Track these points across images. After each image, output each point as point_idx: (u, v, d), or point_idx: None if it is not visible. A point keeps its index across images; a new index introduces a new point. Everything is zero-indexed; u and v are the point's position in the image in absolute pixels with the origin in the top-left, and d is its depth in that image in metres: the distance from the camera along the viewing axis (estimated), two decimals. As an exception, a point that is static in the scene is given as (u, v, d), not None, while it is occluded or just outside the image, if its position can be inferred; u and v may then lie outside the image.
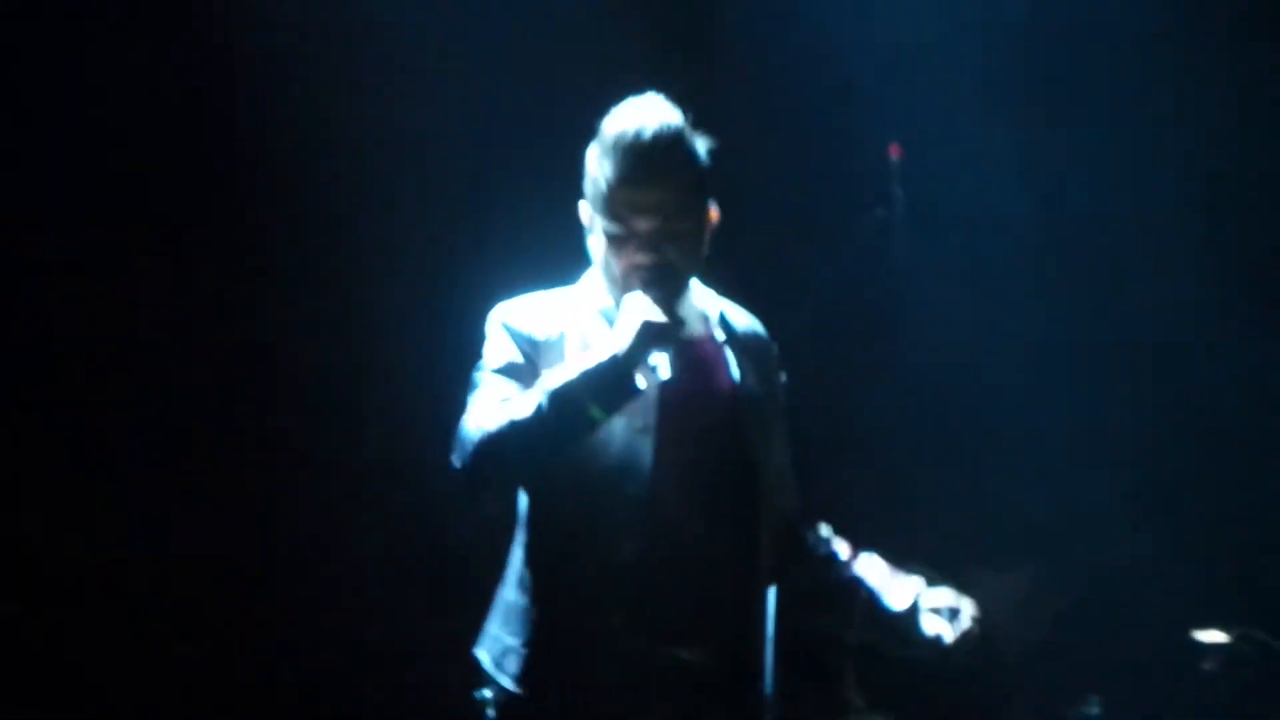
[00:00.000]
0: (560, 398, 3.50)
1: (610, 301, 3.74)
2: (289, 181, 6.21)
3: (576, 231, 3.82)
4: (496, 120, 6.27)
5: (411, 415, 5.93)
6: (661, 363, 3.55)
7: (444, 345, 4.72)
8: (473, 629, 3.83)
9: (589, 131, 3.75)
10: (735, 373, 3.78)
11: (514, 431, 3.52)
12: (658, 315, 3.54)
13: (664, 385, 3.60)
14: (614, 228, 3.66)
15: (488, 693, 5.49)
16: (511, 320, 3.75)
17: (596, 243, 3.75)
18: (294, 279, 6.29)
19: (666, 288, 3.61)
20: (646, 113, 3.68)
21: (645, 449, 3.63)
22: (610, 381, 3.52)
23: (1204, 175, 6.59)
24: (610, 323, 3.70)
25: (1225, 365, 6.74)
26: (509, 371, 3.68)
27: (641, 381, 3.53)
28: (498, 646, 3.71)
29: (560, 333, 3.72)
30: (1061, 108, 6.57)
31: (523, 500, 3.75)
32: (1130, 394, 6.74)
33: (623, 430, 3.61)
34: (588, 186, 3.74)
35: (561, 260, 3.91)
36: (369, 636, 6.19)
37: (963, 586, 6.52)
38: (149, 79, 6.10)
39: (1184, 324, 6.66)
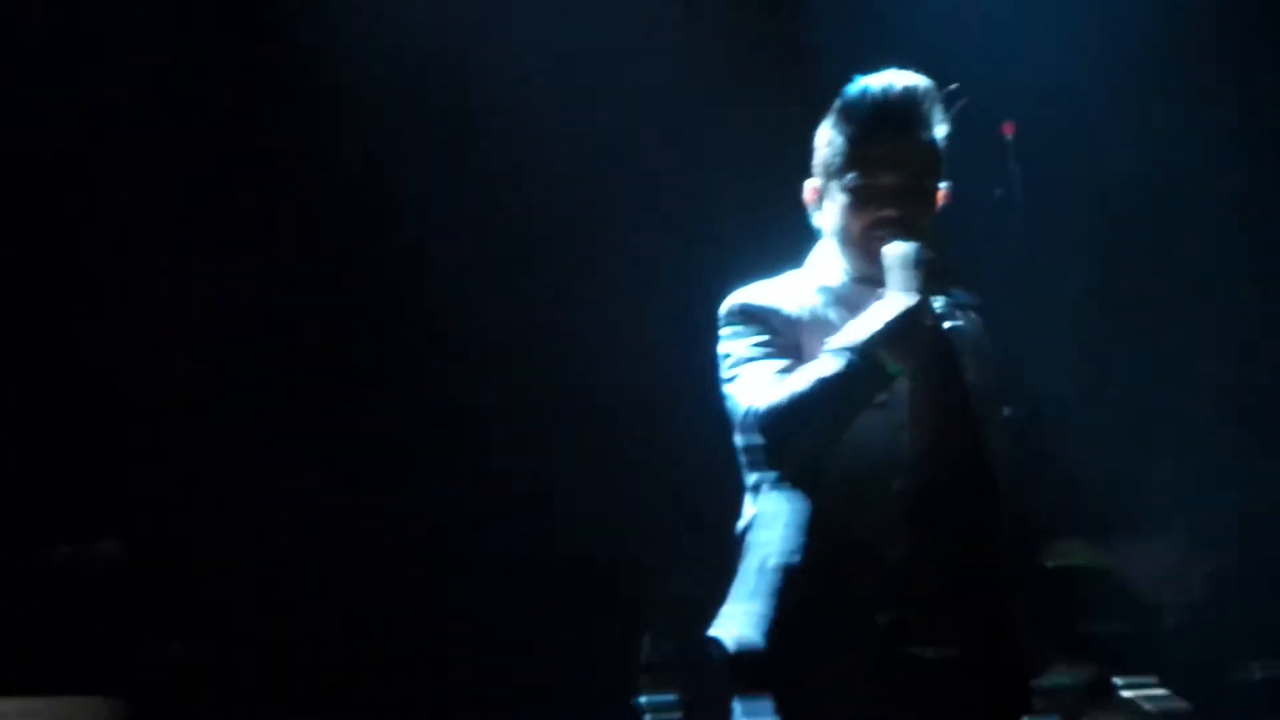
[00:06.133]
0: (856, 353, 3.48)
1: (839, 279, 3.72)
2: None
3: (785, 220, 3.83)
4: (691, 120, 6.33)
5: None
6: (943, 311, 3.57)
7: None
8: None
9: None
10: (967, 361, 3.73)
11: (808, 393, 3.48)
12: (925, 254, 3.53)
13: (912, 378, 3.57)
14: (858, 183, 3.64)
15: (644, 699, 5.61)
16: (756, 302, 3.71)
17: (829, 213, 3.72)
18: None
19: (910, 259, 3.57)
20: (896, 75, 3.70)
21: (904, 443, 3.60)
22: (902, 328, 3.49)
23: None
24: (837, 300, 3.68)
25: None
26: (770, 348, 3.64)
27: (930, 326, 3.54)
28: (745, 634, 3.60)
29: (799, 311, 3.68)
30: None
31: (771, 495, 3.67)
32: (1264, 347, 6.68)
33: (882, 425, 3.57)
34: (821, 155, 3.73)
35: (770, 255, 3.90)
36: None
37: (1113, 551, 6.53)
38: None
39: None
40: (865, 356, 3.48)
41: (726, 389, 3.68)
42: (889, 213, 3.62)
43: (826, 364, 3.51)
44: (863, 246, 3.65)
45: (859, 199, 3.65)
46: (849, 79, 3.77)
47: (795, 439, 3.55)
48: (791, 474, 3.61)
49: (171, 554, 5.97)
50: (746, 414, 3.57)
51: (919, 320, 3.51)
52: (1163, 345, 6.67)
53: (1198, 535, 6.63)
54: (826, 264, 3.76)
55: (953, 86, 3.70)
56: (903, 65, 3.75)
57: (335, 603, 6.22)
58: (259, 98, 6.28)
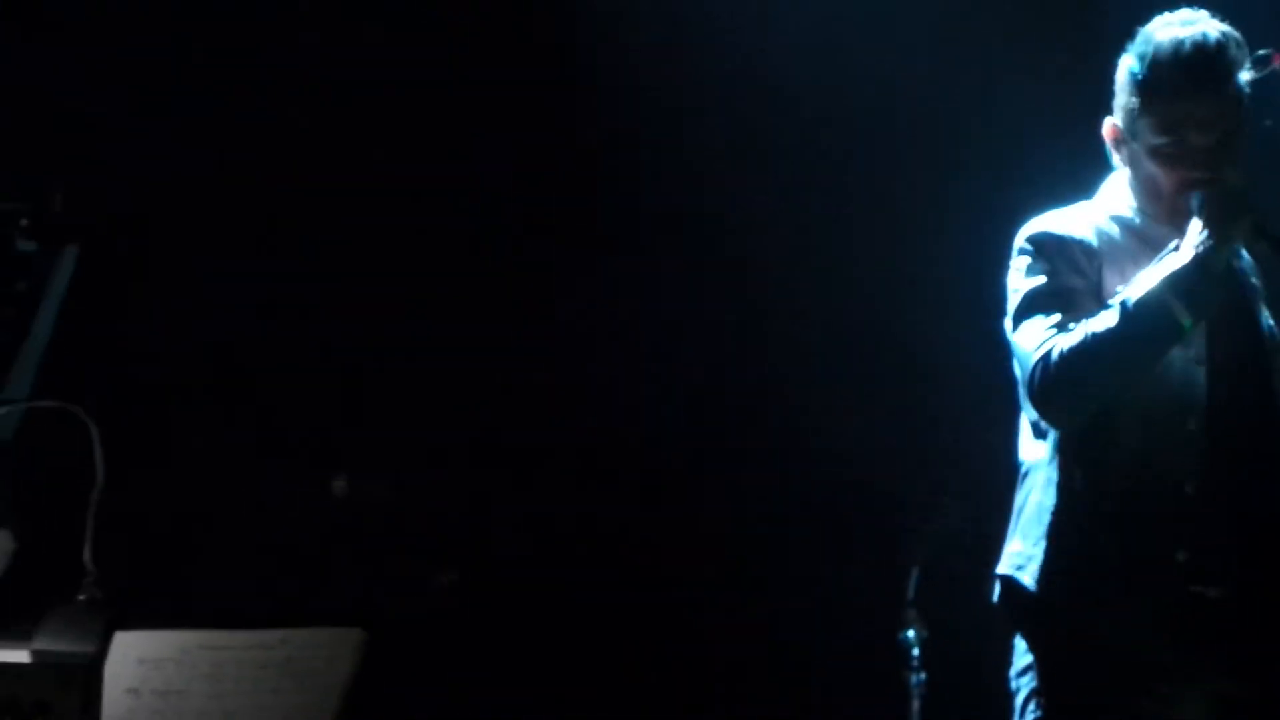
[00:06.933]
0: (1147, 307, 3.38)
1: (1133, 213, 3.63)
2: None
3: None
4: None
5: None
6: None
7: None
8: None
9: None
10: (1257, 305, 3.66)
11: (1099, 349, 3.40)
12: (1230, 204, 3.43)
13: (1209, 316, 3.48)
14: (1167, 140, 3.54)
15: (911, 634, 5.53)
16: (1056, 231, 3.63)
17: (1134, 161, 3.63)
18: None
19: (1227, 206, 3.47)
20: (1203, 24, 3.58)
21: (1200, 380, 3.52)
22: (1198, 281, 3.39)
23: None
24: (1135, 234, 3.61)
25: None
26: (1066, 287, 3.56)
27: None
28: (1036, 572, 3.57)
29: (1099, 241, 3.60)
30: None
31: (1058, 431, 3.59)
32: None
33: (1179, 360, 3.49)
34: (1125, 101, 3.62)
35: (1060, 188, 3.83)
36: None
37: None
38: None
39: None
40: (1158, 309, 3.38)
41: (1013, 327, 3.60)
42: (1202, 174, 3.51)
43: (1106, 319, 3.41)
44: (1171, 204, 3.55)
45: (1169, 157, 3.55)
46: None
47: (1079, 402, 3.47)
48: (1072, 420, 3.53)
49: (440, 493, 6.01)
50: (1030, 371, 3.48)
51: (1214, 269, 3.40)
52: None
53: None
54: (1120, 197, 3.66)
55: (1265, 52, 3.56)
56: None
57: (594, 538, 6.22)
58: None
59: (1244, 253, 3.64)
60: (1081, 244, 3.58)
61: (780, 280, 6.36)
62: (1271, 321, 3.65)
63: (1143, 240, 3.59)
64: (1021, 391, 3.55)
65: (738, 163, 6.24)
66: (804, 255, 6.35)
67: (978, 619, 4.63)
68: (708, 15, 6.08)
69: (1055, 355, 3.43)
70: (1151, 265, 3.46)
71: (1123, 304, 3.41)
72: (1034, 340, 3.50)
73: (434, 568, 5.75)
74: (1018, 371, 3.57)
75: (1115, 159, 3.68)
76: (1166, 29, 3.57)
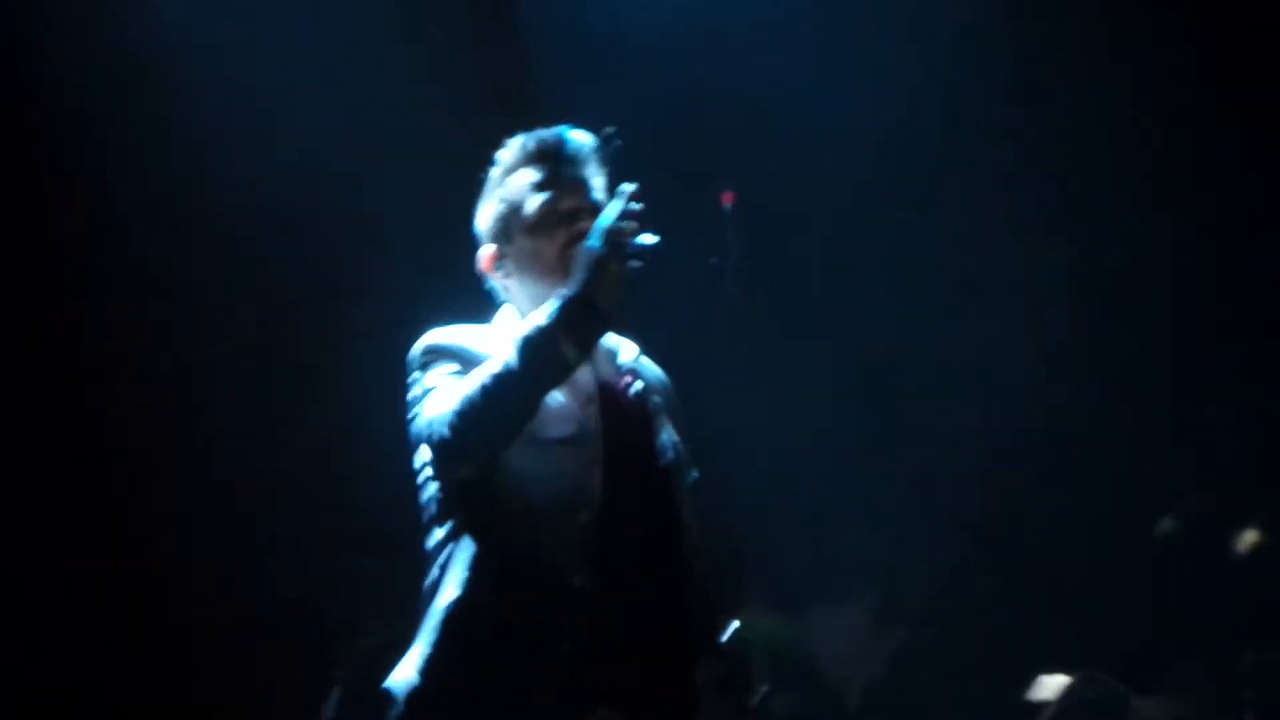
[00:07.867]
0: (532, 343, 3.50)
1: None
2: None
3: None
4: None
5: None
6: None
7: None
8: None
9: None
10: (658, 421, 3.81)
11: (495, 386, 3.49)
12: (600, 244, 3.54)
13: (606, 426, 3.65)
14: (548, 205, 3.72)
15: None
16: (447, 341, 3.73)
17: (517, 261, 3.78)
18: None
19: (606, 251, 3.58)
20: (562, 127, 3.80)
21: (596, 478, 3.63)
22: (579, 315, 3.51)
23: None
24: None
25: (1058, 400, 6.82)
26: (461, 375, 3.62)
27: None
28: (416, 678, 3.59)
29: (491, 353, 3.64)
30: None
31: (457, 537, 3.65)
32: (964, 430, 6.82)
33: (574, 459, 3.61)
34: (494, 211, 3.80)
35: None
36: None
37: (802, 623, 6.61)
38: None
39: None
40: (546, 343, 3.50)
41: (414, 421, 3.69)
42: (584, 224, 3.66)
43: (496, 361, 3.53)
44: (563, 265, 3.67)
45: (549, 222, 3.73)
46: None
47: (473, 437, 3.54)
48: (472, 494, 3.61)
49: None
50: (439, 424, 3.56)
51: (589, 302, 3.52)
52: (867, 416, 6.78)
53: (887, 611, 6.75)
54: (512, 320, 3.79)
55: (609, 129, 3.77)
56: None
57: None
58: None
59: (649, 370, 3.86)
60: (472, 352, 3.69)
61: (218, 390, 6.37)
62: (669, 437, 3.81)
63: None
64: (427, 454, 3.64)
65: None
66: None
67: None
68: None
69: (459, 402, 3.53)
70: (540, 307, 3.58)
71: (514, 341, 3.54)
72: (437, 404, 3.60)
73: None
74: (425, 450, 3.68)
75: (497, 284, 3.84)
76: (536, 133, 3.82)
